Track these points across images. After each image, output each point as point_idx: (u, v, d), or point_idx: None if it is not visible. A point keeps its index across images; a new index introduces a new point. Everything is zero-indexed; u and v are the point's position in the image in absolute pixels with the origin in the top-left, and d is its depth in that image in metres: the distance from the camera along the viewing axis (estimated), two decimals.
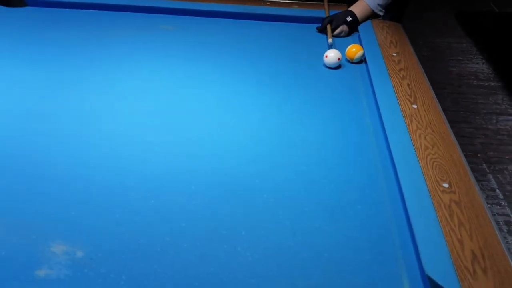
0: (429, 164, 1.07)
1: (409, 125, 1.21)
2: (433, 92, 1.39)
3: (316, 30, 1.80)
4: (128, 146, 1.20)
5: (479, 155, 2.57)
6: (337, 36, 1.76)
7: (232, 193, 1.06)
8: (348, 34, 1.78)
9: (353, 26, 1.78)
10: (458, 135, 2.80)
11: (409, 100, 1.32)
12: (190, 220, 0.98)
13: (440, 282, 0.79)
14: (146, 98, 1.40)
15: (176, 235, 0.95)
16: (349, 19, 1.76)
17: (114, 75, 1.51)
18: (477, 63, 3.57)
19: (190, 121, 1.30)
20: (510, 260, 0.84)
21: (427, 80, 1.45)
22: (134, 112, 1.33)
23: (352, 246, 0.93)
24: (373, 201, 1.04)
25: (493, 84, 3.31)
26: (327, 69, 1.58)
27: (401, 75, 1.45)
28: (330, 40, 1.67)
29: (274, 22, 1.87)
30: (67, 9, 1.91)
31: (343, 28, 1.76)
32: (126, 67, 1.56)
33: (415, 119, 1.24)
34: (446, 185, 1.01)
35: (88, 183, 1.07)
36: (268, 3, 1.94)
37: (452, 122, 2.90)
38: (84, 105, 1.35)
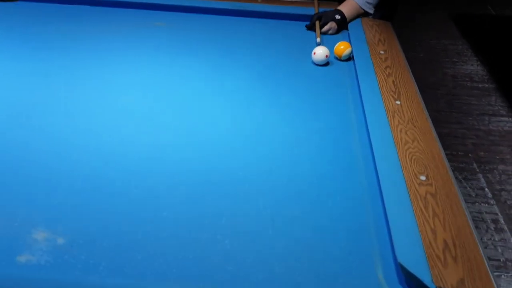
0: (408, 157, 1.09)
1: (391, 120, 1.23)
2: (418, 89, 1.41)
3: (305, 28, 1.81)
4: (112, 137, 1.21)
5: (470, 155, 2.58)
6: (326, 33, 1.78)
7: (215, 184, 1.08)
8: (337, 32, 1.80)
9: (342, 25, 1.80)
10: (451, 135, 2.82)
11: (392, 97, 1.34)
12: (172, 210, 1.00)
13: (411, 270, 0.81)
14: (136, 93, 1.41)
15: (158, 224, 0.96)
16: (337, 17, 1.78)
17: (104, 70, 1.52)
18: (471, 65, 3.58)
19: (178, 115, 1.32)
20: (480, 249, 0.86)
21: (413, 78, 1.46)
22: (122, 105, 1.35)
23: (329, 235, 0.95)
24: (353, 192, 1.06)
25: (487, 85, 3.33)
26: (316, 66, 1.59)
27: (387, 72, 1.47)
28: (318, 40, 1.69)
29: (265, 19, 1.89)
30: (58, 4, 1.91)
31: (331, 25, 1.78)
32: (117, 63, 1.57)
33: (397, 114, 1.26)
34: (423, 177, 1.03)
35: (71, 172, 1.09)
36: (259, 1, 1.96)
37: (445, 123, 2.94)
38: (70, 99, 1.37)
